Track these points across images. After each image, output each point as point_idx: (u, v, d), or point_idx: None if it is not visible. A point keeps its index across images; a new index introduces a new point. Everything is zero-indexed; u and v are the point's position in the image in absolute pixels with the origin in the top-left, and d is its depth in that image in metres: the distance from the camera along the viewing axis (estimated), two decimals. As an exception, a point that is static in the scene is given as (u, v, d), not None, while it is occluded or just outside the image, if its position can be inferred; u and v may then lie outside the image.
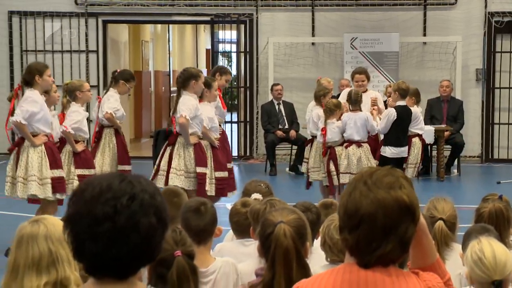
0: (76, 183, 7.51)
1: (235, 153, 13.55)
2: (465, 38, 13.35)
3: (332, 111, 8.61)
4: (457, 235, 4.10)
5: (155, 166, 7.59)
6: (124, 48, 15.62)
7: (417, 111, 9.55)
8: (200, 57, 21.25)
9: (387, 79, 13.00)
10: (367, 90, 9.67)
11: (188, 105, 7.22)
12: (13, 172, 7.10)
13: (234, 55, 15.70)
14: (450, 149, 12.02)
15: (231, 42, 15.09)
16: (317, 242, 3.91)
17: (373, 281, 2.09)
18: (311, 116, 9.17)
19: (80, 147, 7.64)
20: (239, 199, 4.41)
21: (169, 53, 18.83)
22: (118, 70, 8.74)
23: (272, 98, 12.70)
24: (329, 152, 8.56)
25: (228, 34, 14.20)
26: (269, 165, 12.27)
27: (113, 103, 8.32)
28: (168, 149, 7.45)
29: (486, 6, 13.48)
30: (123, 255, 1.84)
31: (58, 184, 7.08)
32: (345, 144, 8.50)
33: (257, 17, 13.78)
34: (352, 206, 2.10)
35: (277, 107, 12.58)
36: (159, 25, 18.51)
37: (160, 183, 7.27)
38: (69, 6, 13.86)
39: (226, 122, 12.99)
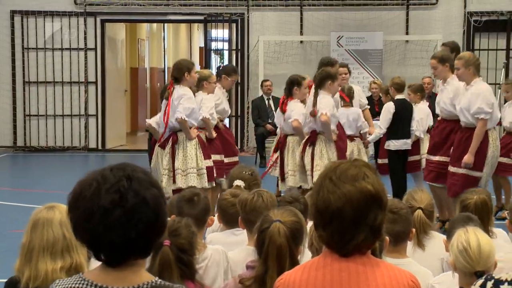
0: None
1: (227, 146, 13.56)
2: (445, 36, 13.34)
3: None
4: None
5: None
6: (121, 46, 15.57)
7: (424, 106, 9.33)
8: (193, 54, 21.19)
9: (371, 76, 13.03)
10: (347, 83, 9.73)
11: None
12: (170, 165, 6.85)
13: (226, 53, 15.68)
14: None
15: (223, 40, 15.09)
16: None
17: (354, 270, 2.10)
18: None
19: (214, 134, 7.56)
20: (227, 190, 4.39)
21: (164, 51, 18.81)
22: (222, 65, 8.46)
23: (262, 94, 12.70)
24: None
25: (220, 32, 14.19)
26: (259, 157, 12.28)
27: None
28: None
29: (465, 6, 13.52)
30: (140, 232, 1.82)
31: (210, 173, 6.96)
32: None
33: (248, 17, 13.77)
34: (321, 204, 2.09)
35: (266, 102, 12.58)
36: (154, 24, 18.46)
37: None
38: (69, 6, 13.83)
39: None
